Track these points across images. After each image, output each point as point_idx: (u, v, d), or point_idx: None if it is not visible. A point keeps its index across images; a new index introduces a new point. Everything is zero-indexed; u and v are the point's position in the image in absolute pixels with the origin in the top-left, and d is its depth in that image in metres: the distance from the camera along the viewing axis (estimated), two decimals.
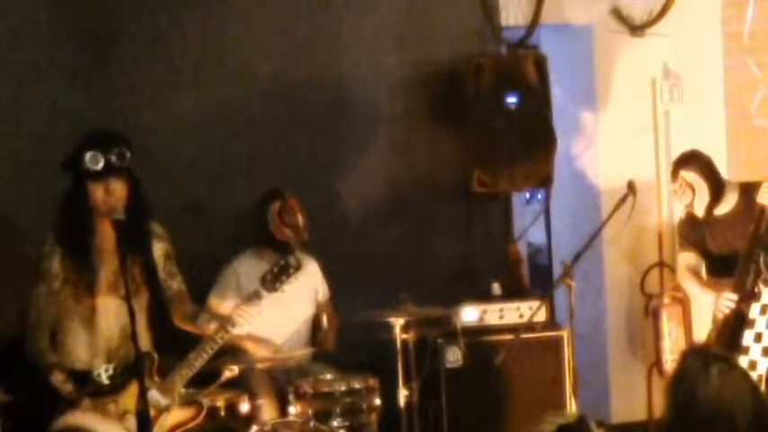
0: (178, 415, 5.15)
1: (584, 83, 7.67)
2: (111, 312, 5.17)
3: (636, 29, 7.46)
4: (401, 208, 7.03)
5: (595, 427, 3.24)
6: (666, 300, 7.12)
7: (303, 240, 6.15)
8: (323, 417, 5.59)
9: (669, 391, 3.42)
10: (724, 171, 6.71)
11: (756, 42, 7.27)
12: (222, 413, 5.31)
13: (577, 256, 6.10)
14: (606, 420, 7.40)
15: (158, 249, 5.31)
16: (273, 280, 5.31)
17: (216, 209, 6.63)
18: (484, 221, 7.24)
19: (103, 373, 5.07)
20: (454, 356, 6.50)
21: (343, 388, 5.69)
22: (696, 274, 6.27)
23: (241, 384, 5.56)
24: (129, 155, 5.05)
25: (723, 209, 6.20)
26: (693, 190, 6.19)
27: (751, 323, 5.97)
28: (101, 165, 5.00)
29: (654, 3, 7.41)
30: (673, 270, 7.07)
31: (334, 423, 5.61)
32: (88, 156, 4.99)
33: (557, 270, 7.50)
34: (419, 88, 7.07)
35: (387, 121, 7.05)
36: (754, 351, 5.93)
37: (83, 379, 5.09)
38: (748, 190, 6.09)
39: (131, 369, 4.93)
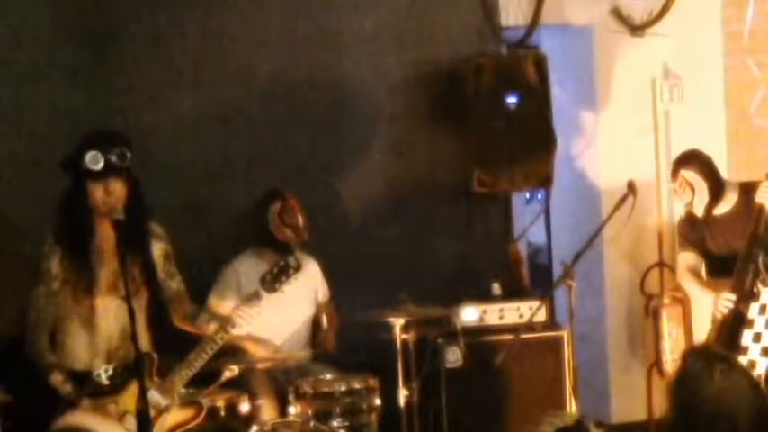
0: (178, 415, 5.15)
1: (584, 83, 7.67)
2: (110, 312, 5.17)
3: (636, 29, 7.47)
4: (401, 208, 7.03)
5: (594, 428, 3.23)
6: (666, 300, 7.12)
7: (303, 241, 6.15)
8: (323, 417, 5.59)
9: (671, 391, 3.41)
10: (724, 171, 6.71)
11: (756, 42, 7.27)
12: (222, 413, 5.31)
13: (577, 256, 6.10)
14: (606, 420, 7.40)
15: (157, 249, 5.31)
16: (273, 280, 5.31)
17: (216, 209, 6.63)
18: (484, 221, 7.24)
19: (103, 374, 5.07)
20: (454, 356, 6.50)
21: (343, 388, 5.69)
22: (696, 274, 6.26)
23: (241, 384, 5.55)
24: (129, 155, 5.05)
25: (723, 208, 6.20)
26: (693, 189, 6.20)
27: (750, 323, 5.96)
28: (101, 165, 4.99)
29: (654, 3, 7.41)
30: (673, 270, 7.07)
31: (334, 423, 5.61)
32: (89, 155, 4.99)
33: (557, 270, 7.49)
34: (419, 88, 7.07)
35: (387, 121, 7.05)
36: (753, 351, 5.93)
37: (82, 379, 5.09)
38: (748, 190, 6.09)
39: (131, 369, 4.93)
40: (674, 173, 6.29)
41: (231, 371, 5.28)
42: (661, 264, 7.41)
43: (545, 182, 7.14)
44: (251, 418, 5.50)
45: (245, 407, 5.42)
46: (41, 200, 5.76)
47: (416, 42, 7.08)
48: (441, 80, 7.08)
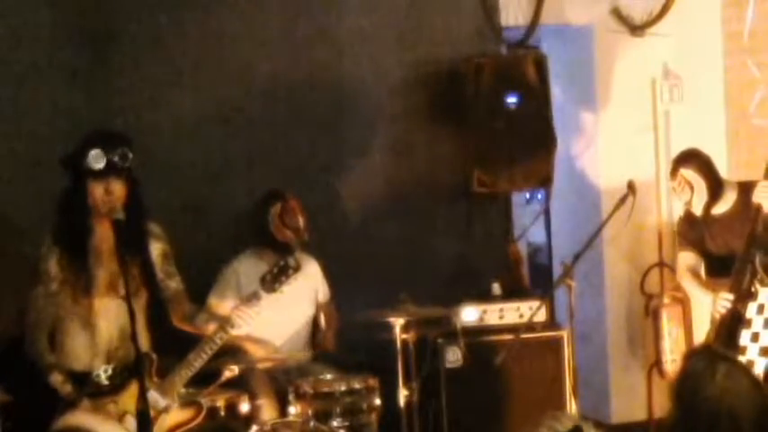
0: (178, 415, 5.14)
1: (584, 83, 7.67)
2: (110, 313, 5.17)
3: (636, 29, 7.46)
4: (401, 208, 7.03)
5: (592, 428, 3.22)
6: (666, 300, 7.12)
7: (303, 241, 6.14)
8: (323, 417, 5.59)
9: (673, 391, 3.41)
10: (724, 171, 6.71)
11: (756, 42, 7.27)
12: (222, 413, 5.31)
13: (577, 256, 6.09)
14: (606, 420, 7.40)
15: (156, 249, 5.31)
16: (272, 281, 5.31)
17: (216, 209, 6.63)
18: (484, 221, 7.24)
19: (102, 374, 5.07)
20: (454, 356, 6.50)
21: (343, 388, 5.69)
22: (695, 274, 6.26)
23: (241, 384, 5.55)
24: (131, 155, 5.05)
25: (721, 208, 6.20)
26: (692, 188, 6.19)
27: (748, 323, 5.95)
28: (103, 164, 4.99)
29: (654, 3, 7.41)
30: (673, 270, 7.06)
31: (334, 423, 5.61)
32: (91, 154, 4.98)
33: (557, 270, 7.51)
34: (419, 88, 7.07)
35: (387, 121, 7.05)
36: (752, 351, 5.92)
37: (82, 380, 5.09)
38: (747, 189, 6.09)
39: (130, 369, 4.93)
40: (674, 171, 6.29)
41: (231, 371, 5.28)
42: (661, 264, 7.41)
43: (545, 182, 7.14)
44: (251, 418, 5.50)
45: (245, 407, 5.42)
46: (41, 200, 5.75)
47: (416, 42, 7.08)
48: (441, 80, 7.08)
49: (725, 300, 5.93)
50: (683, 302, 6.81)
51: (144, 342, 5.12)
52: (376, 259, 6.85)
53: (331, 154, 6.92)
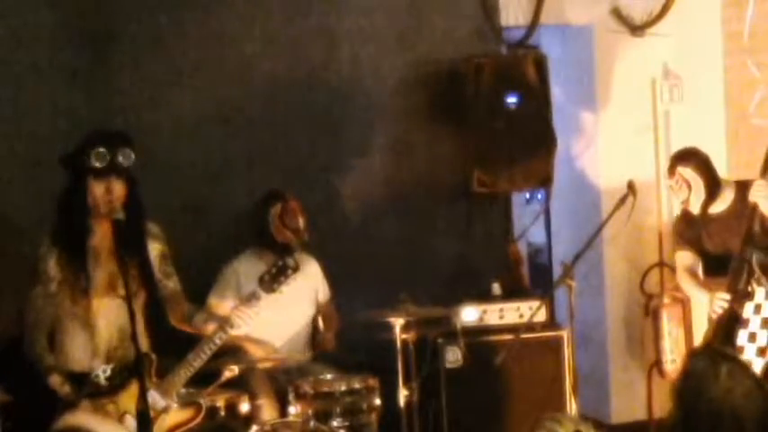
0: (177, 415, 5.14)
1: (584, 83, 7.67)
2: (109, 313, 5.17)
3: (636, 29, 7.46)
4: (401, 208, 7.03)
5: (592, 429, 3.22)
6: (666, 300, 7.10)
7: (303, 242, 6.15)
8: (323, 417, 5.59)
9: (675, 391, 3.40)
10: (723, 171, 6.71)
11: (756, 42, 7.27)
12: (222, 413, 5.31)
13: (577, 256, 6.09)
14: (606, 420, 7.40)
15: (154, 249, 5.30)
16: (271, 281, 5.31)
17: (216, 209, 6.63)
18: (484, 221, 7.24)
19: (101, 374, 5.06)
20: (454, 356, 6.50)
21: (343, 388, 5.69)
22: (693, 273, 6.26)
23: (241, 384, 5.55)
24: (133, 156, 5.05)
25: (719, 207, 6.20)
26: (690, 186, 6.20)
27: (745, 323, 5.95)
28: (105, 163, 4.99)
29: (654, 3, 7.41)
30: (673, 270, 7.06)
31: (334, 423, 5.61)
32: (94, 153, 4.97)
33: (557, 270, 7.50)
34: (419, 88, 7.07)
35: (387, 121, 7.05)
36: (749, 351, 5.92)
37: (81, 380, 5.09)
38: (744, 188, 6.08)
39: (130, 370, 4.93)
40: (672, 169, 6.29)
41: (231, 371, 5.28)
42: (661, 264, 7.41)
43: (545, 182, 7.14)
44: (251, 418, 5.50)
45: (244, 407, 5.42)
46: (41, 200, 5.75)
47: (416, 42, 7.08)
48: (441, 80, 7.08)
49: (722, 299, 5.93)
50: (684, 302, 6.81)
51: (143, 342, 5.11)
52: (376, 259, 6.85)
53: (331, 154, 6.92)
